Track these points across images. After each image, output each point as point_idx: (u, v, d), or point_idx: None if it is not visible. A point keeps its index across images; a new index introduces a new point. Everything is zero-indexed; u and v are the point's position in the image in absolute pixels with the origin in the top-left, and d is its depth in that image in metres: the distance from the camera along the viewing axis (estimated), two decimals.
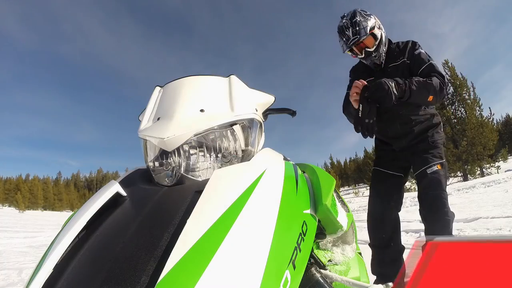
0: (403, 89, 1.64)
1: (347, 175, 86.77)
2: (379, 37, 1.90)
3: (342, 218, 0.95)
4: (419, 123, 2.00)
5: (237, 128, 0.96)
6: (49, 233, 10.74)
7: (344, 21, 1.89)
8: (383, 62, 2.00)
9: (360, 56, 1.97)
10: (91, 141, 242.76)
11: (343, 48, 1.94)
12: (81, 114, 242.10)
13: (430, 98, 1.73)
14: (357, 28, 1.83)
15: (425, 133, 2.00)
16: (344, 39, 1.89)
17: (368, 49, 1.91)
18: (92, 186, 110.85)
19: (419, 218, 5.42)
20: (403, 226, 4.73)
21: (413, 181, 23.68)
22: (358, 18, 1.84)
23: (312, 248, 1.07)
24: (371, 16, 1.90)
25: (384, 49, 1.97)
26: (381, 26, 1.95)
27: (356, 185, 70.33)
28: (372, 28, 1.86)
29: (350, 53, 2.00)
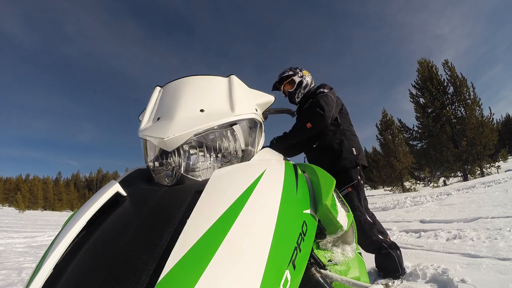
0: (285, 136, 2.27)
1: None
2: (296, 82, 2.51)
3: (342, 218, 0.95)
4: (330, 152, 2.40)
5: (237, 128, 0.96)
6: (49, 233, 10.72)
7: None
8: (299, 103, 2.57)
9: (285, 97, 2.62)
10: (91, 141, 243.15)
11: (277, 85, 2.63)
12: (81, 115, 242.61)
13: (308, 125, 2.18)
14: (281, 75, 2.55)
15: (334, 160, 2.35)
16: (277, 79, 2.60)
17: (289, 90, 2.54)
18: (92, 186, 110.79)
19: (419, 218, 5.42)
20: (403, 226, 4.74)
21: (413, 181, 23.72)
22: (286, 69, 2.57)
23: (312, 248, 1.06)
24: (298, 69, 2.56)
25: (303, 91, 2.53)
26: (305, 76, 2.55)
27: None
28: (293, 75, 2.51)
29: (283, 95, 2.63)
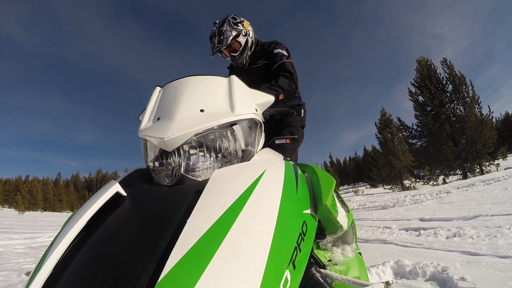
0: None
1: (346, 173, 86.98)
2: (243, 43, 2.12)
3: (342, 218, 0.95)
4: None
5: (237, 128, 0.96)
6: (49, 234, 10.71)
7: (213, 28, 2.09)
8: (247, 64, 2.24)
9: (228, 58, 2.22)
10: (91, 142, 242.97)
11: (210, 53, 2.13)
12: (81, 115, 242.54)
13: (281, 96, 1.90)
14: (221, 37, 2.04)
15: (283, 118, 2.25)
16: (211, 45, 2.09)
17: (233, 54, 2.14)
18: (92, 186, 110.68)
19: (419, 216, 5.43)
20: (402, 224, 4.75)
21: (413, 179, 23.76)
22: (224, 27, 2.05)
23: (312, 248, 1.07)
24: (240, 23, 2.11)
25: (249, 53, 2.19)
26: (249, 31, 2.17)
27: (356, 183, 70.51)
28: (237, 36, 2.07)
29: (220, 55, 2.19)
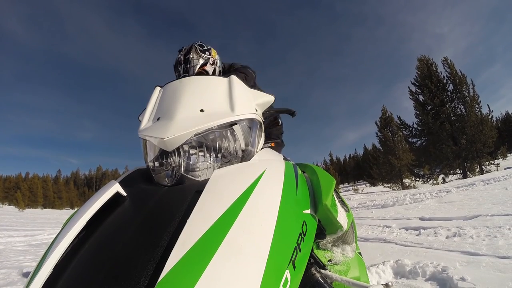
0: None
1: (346, 172, 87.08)
2: (210, 72, 1.99)
3: (342, 218, 0.95)
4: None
5: (237, 128, 0.96)
6: (49, 231, 10.72)
7: (179, 56, 1.97)
8: None
9: None
10: (91, 139, 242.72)
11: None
12: (81, 112, 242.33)
13: None
14: (188, 66, 1.91)
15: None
16: (176, 74, 1.98)
17: None
18: (92, 183, 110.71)
19: (419, 215, 5.44)
20: (402, 223, 4.75)
21: (413, 178, 23.76)
22: (191, 55, 1.92)
23: (312, 248, 1.07)
24: (207, 51, 1.98)
25: None
26: (217, 60, 2.05)
27: (356, 182, 70.59)
28: (204, 64, 1.95)
29: None
